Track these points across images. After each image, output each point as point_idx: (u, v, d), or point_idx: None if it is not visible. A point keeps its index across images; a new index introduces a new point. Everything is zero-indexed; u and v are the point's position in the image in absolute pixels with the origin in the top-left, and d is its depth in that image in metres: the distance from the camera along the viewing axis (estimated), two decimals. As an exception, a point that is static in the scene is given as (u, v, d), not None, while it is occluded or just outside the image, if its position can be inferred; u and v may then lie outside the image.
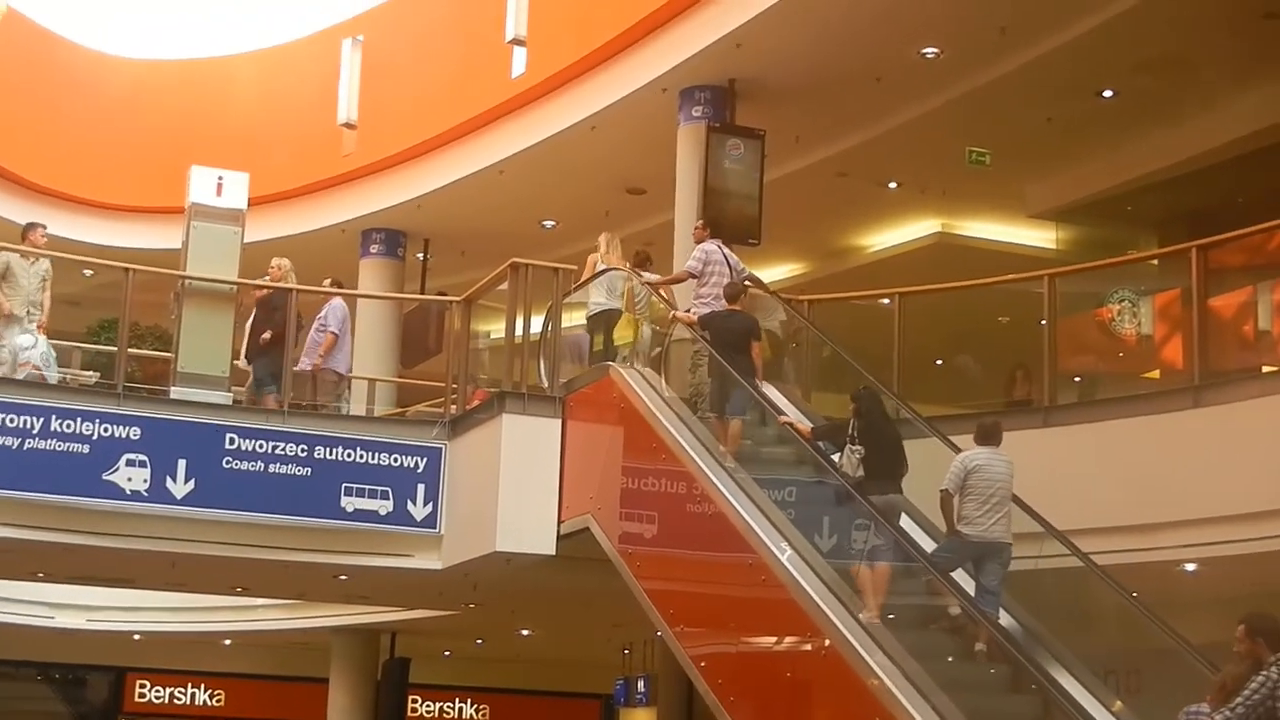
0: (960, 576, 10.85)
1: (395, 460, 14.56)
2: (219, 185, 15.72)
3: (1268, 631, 8.10)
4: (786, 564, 9.85)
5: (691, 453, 11.46)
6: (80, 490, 13.84)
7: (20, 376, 14.44)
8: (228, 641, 26.44)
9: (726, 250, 13.99)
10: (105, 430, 13.94)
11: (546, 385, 14.12)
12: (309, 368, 15.87)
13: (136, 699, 28.93)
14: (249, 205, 16.02)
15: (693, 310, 13.58)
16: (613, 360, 13.85)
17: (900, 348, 14.25)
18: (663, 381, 13.17)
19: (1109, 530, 11.60)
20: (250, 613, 22.90)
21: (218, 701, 29.06)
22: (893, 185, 19.61)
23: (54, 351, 15.35)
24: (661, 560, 11.88)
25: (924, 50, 15.71)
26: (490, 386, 15.01)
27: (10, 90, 24.91)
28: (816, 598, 9.45)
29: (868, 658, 8.85)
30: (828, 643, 9.23)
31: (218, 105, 24.76)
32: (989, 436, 11.29)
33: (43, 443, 13.72)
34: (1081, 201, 18.70)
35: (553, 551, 13.39)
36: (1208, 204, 17.35)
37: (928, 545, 11.33)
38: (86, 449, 13.85)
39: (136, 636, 25.47)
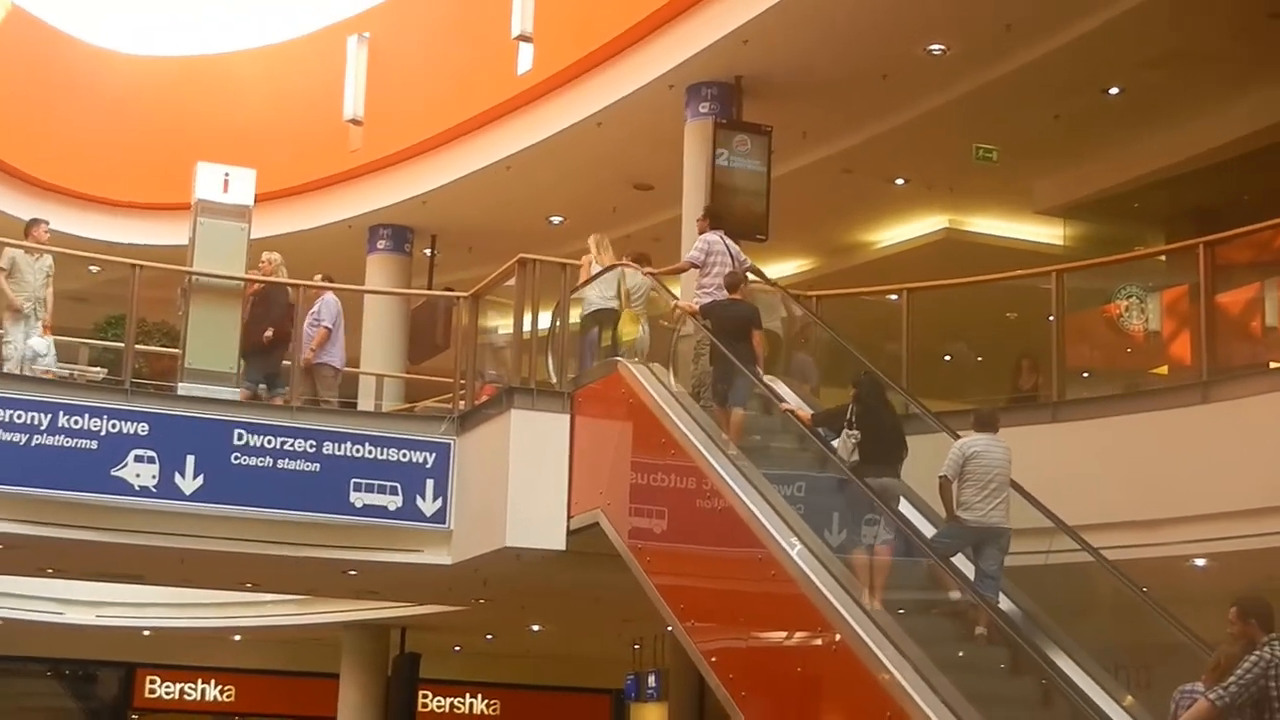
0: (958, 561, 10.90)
1: (404, 456, 14.57)
2: (225, 181, 15.73)
3: (1260, 613, 8.28)
4: (796, 558, 9.86)
5: (701, 448, 11.47)
6: (89, 486, 13.84)
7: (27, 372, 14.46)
8: (238, 637, 26.46)
9: (729, 241, 14.00)
10: (113, 426, 13.94)
11: (555, 380, 14.13)
12: (302, 363, 15.88)
13: (147, 694, 28.96)
14: (255, 201, 16.05)
15: (695, 300, 13.64)
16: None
17: (908, 343, 14.27)
18: (671, 376, 13.19)
19: (1118, 525, 11.63)
20: (260, 608, 22.91)
21: (228, 697, 29.08)
22: (900, 181, 19.62)
23: (44, 348, 15.38)
24: (672, 555, 11.89)
25: (931, 47, 15.72)
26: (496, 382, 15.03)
27: (17, 87, 24.93)
28: (827, 592, 9.46)
29: (878, 652, 8.85)
30: (838, 637, 9.24)
31: (224, 101, 24.78)
32: (986, 424, 11.44)
33: (51, 439, 13.73)
34: (1089, 198, 18.71)
35: (563, 547, 13.40)
36: (1215, 200, 17.36)
37: (928, 531, 11.43)
38: (95, 445, 13.86)
39: (146, 632, 25.50)
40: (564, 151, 19.06)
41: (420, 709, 26.04)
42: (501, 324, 16.41)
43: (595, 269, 14.50)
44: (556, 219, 21.35)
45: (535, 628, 23.05)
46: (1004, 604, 10.88)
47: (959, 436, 11.61)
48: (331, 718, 23.54)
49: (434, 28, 21.47)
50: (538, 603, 19.03)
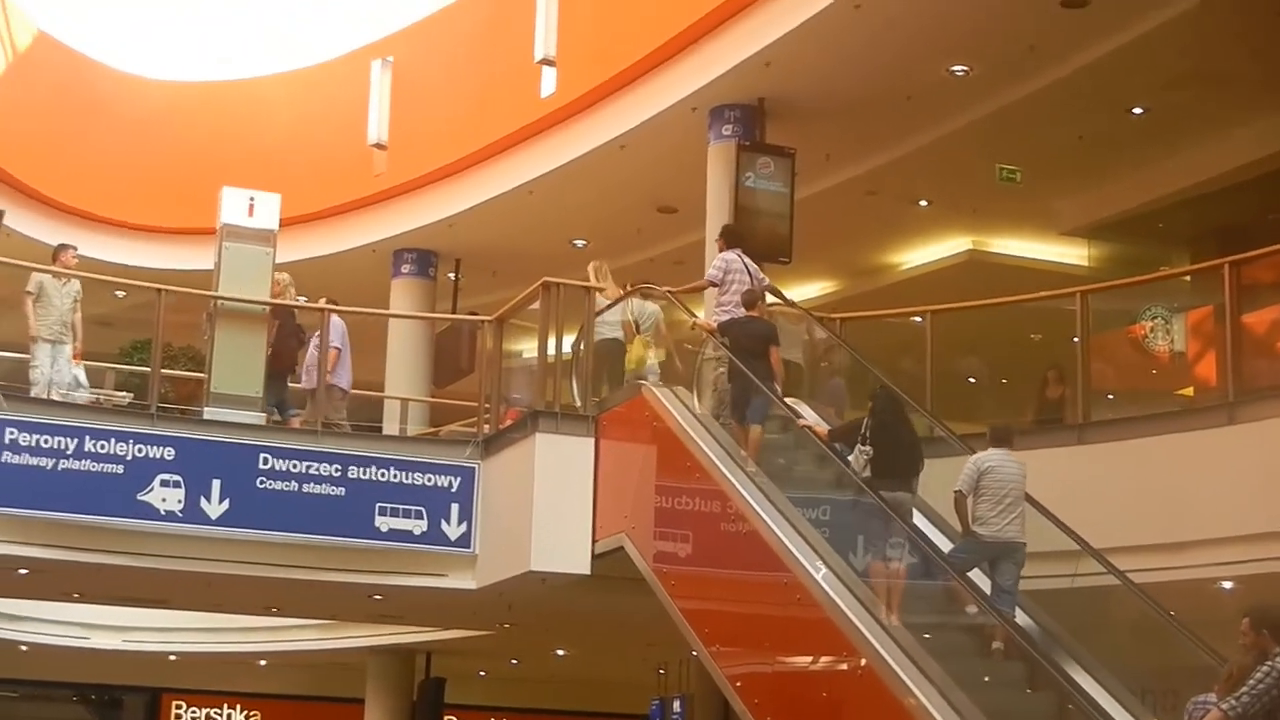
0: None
1: (429, 480, 14.58)
2: (250, 206, 15.77)
3: (1272, 624, 8.31)
4: (821, 583, 9.84)
5: (725, 471, 11.46)
6: (115, 511, 13.88)
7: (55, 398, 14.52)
8: (263, 662, 26.48)
9: (747, 260, 14.04)
10: (139, 451, 13.98)
11: (579, 404, 14.13)
12: (312, 385, 15.91)
13: (172, 719, 29.00)
14: (280, 226, 16.08)
15: (713, 319, 13.68)
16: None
17: (932, 365, 14.25)
18: (695, 399, 13.18)
19: (1144, 548, 11.57)
20: (285, 633, 22.93)
21: (253, 722, 29.16)
22: (923, 203, 19.62)
23: (84, 375, 15.45)
24: (696, 579, 11.87)
25: (954, 68, 15.72)
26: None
27: (43, 113, 25.05)
28: (852, 616, 9.44)
29: (904, 676, 8.83)
30: (864, 662, 9.22)
31: (249, 126, 24.88)
32: (1001, 439, 11.49)
33: (77, 463, 13.77)
34: (1113, 218, 18.67)
35: (587, 571, 13.39)
36: (1240, 220, 17.30)
37: (945, 546, 11.45)
38: (121, 469, 13.90)
39: (172, 657, 25.54)
40: (587, 175, 19.08)
41: (445, 733, 26.02)
42: (526, 347, 16.43)
43: (600, 300, 14.52)
44: (580, 242, 21.36)
45: (560, 652, 23.02)
46: (1020, 619, 10.93)
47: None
48: (357, 742, 23.56)
49: (457, 52, 21.53)
50: (563, 627, 19.02)
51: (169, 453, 14.05)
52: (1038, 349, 16.33)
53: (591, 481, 13.50)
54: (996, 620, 10.27)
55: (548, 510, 13.46)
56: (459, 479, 14.63)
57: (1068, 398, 13.56)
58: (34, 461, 13.62)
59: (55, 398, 14.53)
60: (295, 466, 14.37)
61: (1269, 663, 8.09)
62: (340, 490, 14.41)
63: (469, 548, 14.52)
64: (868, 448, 11.35)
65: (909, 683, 8.78)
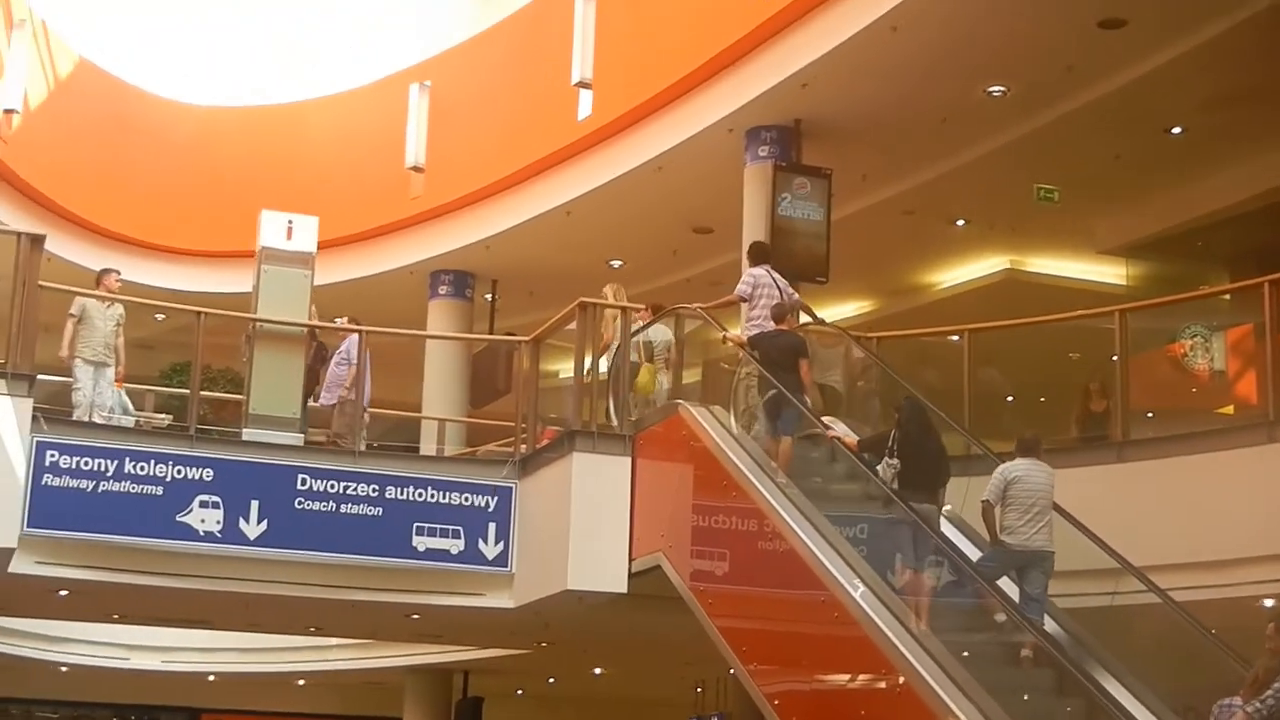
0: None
1: (466, 499, 14.61)
2: (289, 229, 15.84)
3: None
4: (860, 601, 9.82)
5: (762, 489, 11.46)
6: (154, 532, 13.90)
7: (97, 420, 14.61)
8: (301, 681, 26.54)
9: (775, 275, 14.12)
10: (179, 472, 14.01)
11: (616, 423, 14.15)
12: (334, 402, 15.97)
13: (211, 739, 29.14)
14: (319, 248, 16.16)
15: (743, 333, 13.74)
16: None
17: (970, 384, 14.23)
18: (731, 418, 13.18)
19: (1185, 566, 11.53)
20: (323, 653, 23.00)
21: (292, 741, 29.20)
22: (960, 223, 19.59)
23: (129, 401, 15.55)
24: (734, 598, 11.86)
25: (990, 88, 15.71)
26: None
27: (84, 139, 25.25)
28: (890, 635, 9.41)
29: (943, 695, 8.79)
30: (902, 680, 9.19)
31: (288, 150, 25.04)
32: (1029, 449, 11.54)
33: (117, 485, 13.82)
34: (1151, 237, 18.62)
35: (624, 590, 13.38)
36: (1279, 239, 17.22)
37: (974, 556, 11.54)
38: (160, 491, 13.93)
39: (211, 677, 25.64)
40: (624, 196, 19.13)
41: (483, 753, 26.02)
42: (562, 368, 16.46)
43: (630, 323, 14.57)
44: (617, 263, 21.40)
45: (598, 671, 23.01)
46: (1048, 626, 10.97)
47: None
48: (395, 762, 23.58)
49: (494, 75, 21.62)
50: (600, 646, 19.01)
51: (208, 474, 14.08)
52: (1076, 368, 16.27)
53: (628, 501, 13.51)
54: (1026, 628, 10.26)
55: (584, 529, 13.48)
56: (496, 498, 14.65)
57: (1110, 410, 13.50)
58: (74, 484, 13.65)
59: (97, 420, 14.62)
60: (333, 487, 14.40)
61: None
62: (378, 510, 14.44)
63: (506, 567, 14.53)
64: (895, 461, 11.40)
65: (948, 701, 8.74)
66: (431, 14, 25.58)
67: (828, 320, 16.28)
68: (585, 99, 19.03)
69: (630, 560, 13.34)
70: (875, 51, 15.01)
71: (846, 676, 10.28)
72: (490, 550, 14.51)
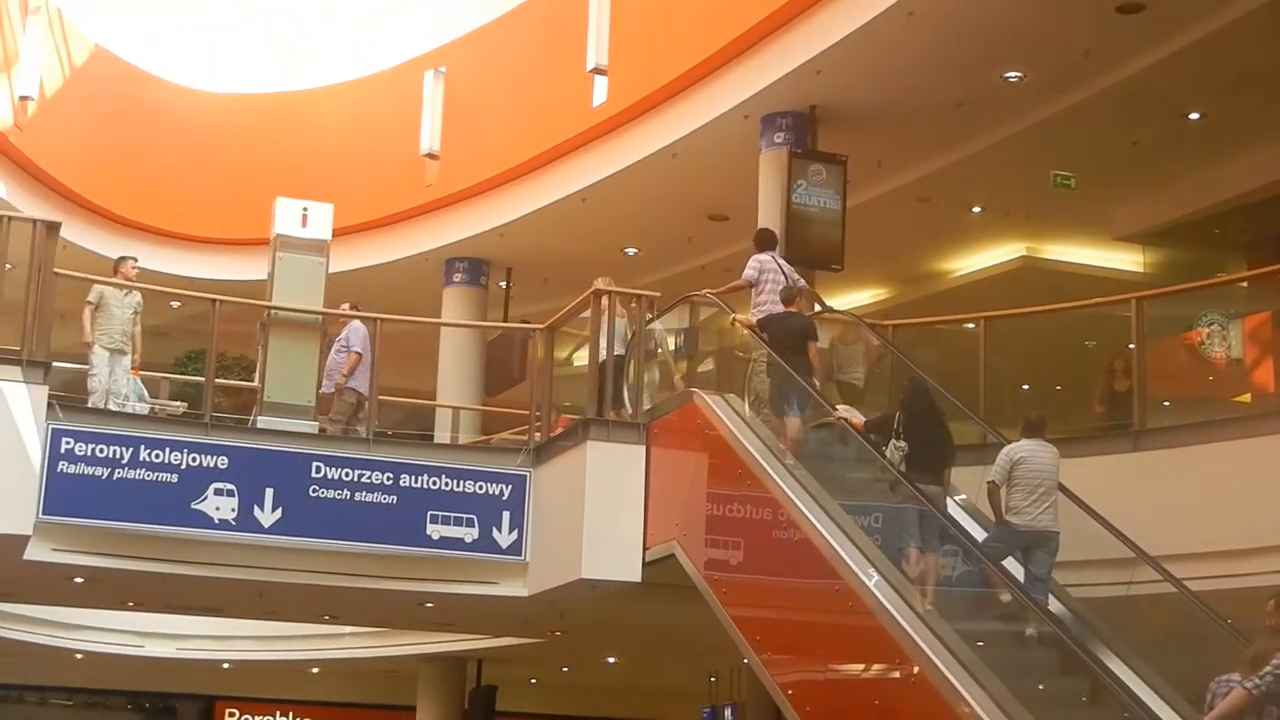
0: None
1: (480, 488, 14.58)
2: (304, 216, 15.84)
3: None
4: (874, 590, 9.78)
5: (777, 478, 11.42)
6: (169, 520, 13.91)
7: (112, 407, 14.62)
8: (316, 669, 26.60)
9: (780, 261, 14.25)
10: (193, 460, 14.00)
11: (630, 412, 14.12)
12: (332, 389, 15.92)
13: (226, 727, 29.22)
14: (333, 236, 16.14)
15: (751, 317, 13.79)
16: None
17: (985, 372, 14.18)
18: (745, 406, 13.15)
19: (1201, 555, 11.47)
20: (338, 641, 23.02)
21: (306, 729, 29.29)
22: (977, 209, 19.52)
23: (145, 388, 15.55)
24: (748, 587, 11.83)
25: (1008, 74, 15.63)
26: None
27: (100, 127, 25.29)
28: (905, 624, 9.37)
29: (957, 684, 8.75)
30: (917, 670, 9.15)
31: (302, 138, 25.03)
32: (1034, 429, 11.61)
33: (132, 472, 13.81)
34: (1168, 224, 18.54)
35: (638, 579, 13.35)
36: (1298, 226, 17.17)
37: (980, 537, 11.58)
38: (175, 478, 13.93)
39: (226, 665, 25.69)
40: (639, 183, 19.09)
41: (497, 741, 26.07)
42: (577, 355, 16.43)
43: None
44: (631, 250, 21.37)
45: (611, 660, 23.01)
46: (1053, 606, 10.97)
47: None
48: (409, 750, 23.61)
49: (509, 62, 21.58)
50: (614, 635, 19.01)
51: (222, 462, 14.08)
52: (1092, 355, 16.21)
53: (643, 489, 13.47)
54: (1031, 608, 10.28)
55: (599, 518, 13.45)
56: (510, 487, 14.62)
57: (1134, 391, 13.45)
58: (89, 471, 13.65)
59: (112, 407, 14.62)
60: (347, 475, 14.38)
61: None
62: (392, 498, 14.42)
63: (520, 555, 14.51)
64: (903, 443, 11.42)
65: (962, 690, 8.71)
66: (447, 1, 25.53)
67: (843, 309, 16.24)
68: (600, 86, 18.99)
69: (644, 549, 13.30)
70: (891, 37, 14.94)
71: (860, 666, 10.25)
72: (504, 539, 14.49)
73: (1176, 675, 10.43)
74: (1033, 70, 15.57)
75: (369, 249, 23.00)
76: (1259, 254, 17.01)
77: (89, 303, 14.91)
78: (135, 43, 27.01)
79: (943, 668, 8.92)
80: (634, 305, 14.49)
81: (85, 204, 24.73)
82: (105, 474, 13.74)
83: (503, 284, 23.01)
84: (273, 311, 15.57)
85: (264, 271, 16.25)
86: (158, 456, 13.92)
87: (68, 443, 13.59)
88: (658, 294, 14.89)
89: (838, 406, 12.64)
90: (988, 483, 11.42)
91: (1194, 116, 16.46)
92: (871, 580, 9.88)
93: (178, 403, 16.59)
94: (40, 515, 13.37)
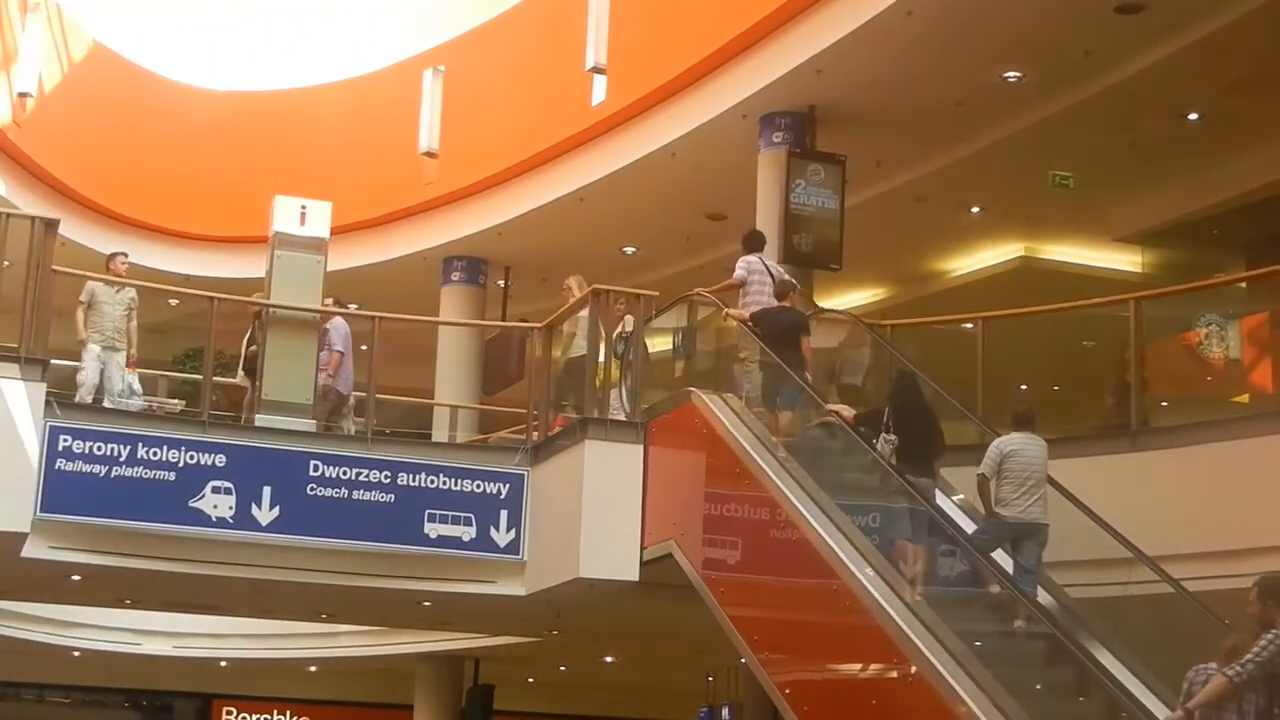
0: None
1: (478, 486, 14.57)
2: (302, 214, 15.80)
3: (1278, 594, 8.34)
4: (871, 589, 9.78)
5: (775, 478, 11.41)
6: (166, 517, 13.87)
7: (108, 404, 14.61)
8: (313, 668, 26.56)
9: (768, 262, 14.42)
10: (191, 457, 13.97)
11: (627, 411, 14.10)
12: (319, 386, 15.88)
13: (223, 724, 29.19)
14: (332, 234, 16.12)
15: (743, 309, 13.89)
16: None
17: (984, 372, 14.18)
18: (744, 406, 13.14)
19: (1199, 555, 11.47)
20: (335, 639, 23.01)
21: (303, 728, 29.26)
22: (975, 210, 19.53)
23: (139, 385, 15.53)
24: (745, 586, 11.82)
25: (1006, 74, 15.64)
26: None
27: (98, 123, 25.26)
28: (902, 624, 9.36)
29: (955, 685, 8.74)
30: (914, 670, 9.14)
31: (301, 135, 25.01)
32: (1023, 422, 11.68)
33: (129, 470, 13.79)
34: (1167, 224, 18.55)
35: (636, 578, 13.34)
36: (1296, 226, 17.16)
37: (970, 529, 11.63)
38: (172, 476, 13.90)
39: (223, 663, 25.66)
40: (637, 182, 19.09)
41: (494, 740, 26.06)
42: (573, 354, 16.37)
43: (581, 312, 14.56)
44: (630, 249, 21.37)
45: (609, 659, 23.00)
46: (1041, 597, 10.99)
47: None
48: (406, 749, 23.60)
49: (508, 61, 21.58)
50: (611, 634, 19.00)
51: (220, 459, 14.06)
52: (1090, 356, 16.22)
53: (640, 488, 13.46)
54: (1020, 599, 10.28)
55: (596, 517, 13.43)
56: (508, 486, 14.61)
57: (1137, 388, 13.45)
58: (87, 469, 13.62)
59: (108, 405, 14.60)
60: (345, 473, 14.35)
61: (1274, 630, 8.16)
62: (390, 497, 14.41)
63: (518, 554, 14.50)
64: (893, 436, 11.46)
65: (960, 690, 8.70)
66: (445, -1, 25.53)
67: (842, 309, 16.23)
68: (599, 84, 18.98)
69: (642, 548, 13.29)
70: (890, 36, 14.94)
71: (858, 666, 10.24)
72: (502, 538, 14.47)
73: (1164, 668, 10.43)
74: (1032, 70, 15.57)
75: (367, 247, 23.00)
76: (1257, 254, 16.98)
77: (80, 302, 14.92)
78: (134, 40, 26.99)
79: (940, 668, 8.90)
80: (622, 305, 14.49)
81: (84, 201, 24.70)
82: (103, 471, 13.71)
83: (501, 283, 23.00)
84: (271, 309, 15.52)
85: (262, 269, 16.23)
86: (155, 454, 13.89)
87: (65, 440, 13.57)
88: (656, 293, 14.89)
89: (828, 403, 12.68)
90: (978, 475, 11.50)
91: (1193, 117, 16.47)
92: (868, 580, 9.87)
93: (175, 400, 16.58)
94: (38, 513, 13.33)
